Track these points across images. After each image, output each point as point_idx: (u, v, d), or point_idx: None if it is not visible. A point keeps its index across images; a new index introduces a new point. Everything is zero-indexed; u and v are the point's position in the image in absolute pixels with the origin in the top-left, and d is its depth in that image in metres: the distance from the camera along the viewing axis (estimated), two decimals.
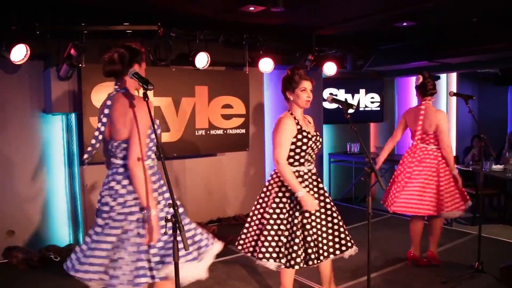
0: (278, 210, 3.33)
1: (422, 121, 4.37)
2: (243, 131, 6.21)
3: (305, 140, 3.31)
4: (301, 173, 3.35)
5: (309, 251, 3.27)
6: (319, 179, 3.48)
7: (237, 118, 6.16)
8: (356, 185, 7.97)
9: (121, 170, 2.70)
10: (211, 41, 5.70)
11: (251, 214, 3.55)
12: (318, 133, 3.47)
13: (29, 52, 4.40)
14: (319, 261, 3.32)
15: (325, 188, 3.51)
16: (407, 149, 4.63)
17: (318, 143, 3.41)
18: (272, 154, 3.35)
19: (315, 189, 3.40)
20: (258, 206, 3.49)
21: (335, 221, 3.44)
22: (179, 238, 2.26)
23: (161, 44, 5.48)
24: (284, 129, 3.29)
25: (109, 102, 2.74)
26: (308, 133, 3.35)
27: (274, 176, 3.42)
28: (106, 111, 2.73)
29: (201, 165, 6.30)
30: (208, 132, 5.92)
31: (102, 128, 2.74)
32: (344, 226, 3.48)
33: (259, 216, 3.47)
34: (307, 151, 3.33)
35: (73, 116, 5.27)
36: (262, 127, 6.85)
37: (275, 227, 3.32)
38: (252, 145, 6.48)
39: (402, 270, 4.50)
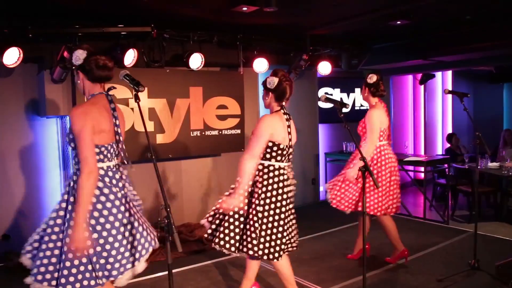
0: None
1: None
2: (238, 131, 6.21)
3: None
4: None
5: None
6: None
7: (232, 118, 6.15)
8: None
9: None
10: (205, 42, 5.69)
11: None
12: None
13: (22, 55, 4.39)
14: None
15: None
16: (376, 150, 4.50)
17: None
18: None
19: None
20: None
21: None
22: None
23: (155, 45, 5.47)
24: None
25: (113, 105, 2.81)
26: None
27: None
28: (116, 113, 2.81)
29: (196, 166, 6.29)
30: (203, 133, 5.91)
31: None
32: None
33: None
34: None
35: (67, 119, 5.25)
36: None
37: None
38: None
39: (398, 269, 4.49)
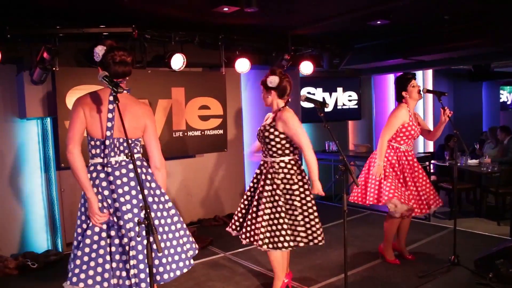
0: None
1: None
2: (221, 131, 6.21)
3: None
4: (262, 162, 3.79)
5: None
6: (274, 173, 3.61)
7: (215, 119, 6.15)
8: (335, 183, 8.02)
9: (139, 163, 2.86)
10: (187, 42, 5.69)
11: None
12: (264, 127, 3.66)
13: (0, 56, 4.34)
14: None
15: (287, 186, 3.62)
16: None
17: (261, 135, 3.69)
18: None
19: (260, 179, 3.72)
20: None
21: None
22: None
23: (136, 46, 5.45)
24: None
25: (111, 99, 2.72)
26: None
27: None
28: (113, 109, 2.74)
29: (179, 167, 6.28)
30: (186, 133, 5.91)
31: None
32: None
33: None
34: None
35: (48, 121, 5.20)
36: (240, 127, 6.85)
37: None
38: (231, 145, 6.49)
39: (380, 266, 4.54)
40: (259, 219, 3.58)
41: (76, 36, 4.81)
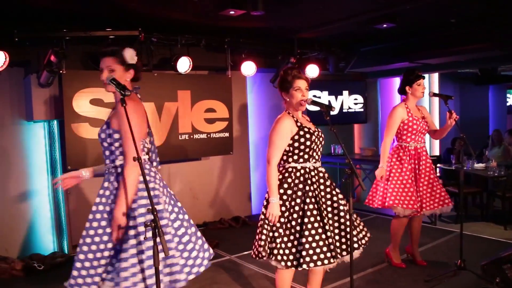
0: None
1: None
2: (227, 134, 6.22)
3: (308, 135, 3.27)
4: (307, 169, 3.28)
5: (303, 253, 3.18)
6: (327, 178, 3.37)
7: (221, 122, 6.16)
8: (341, 186, 7.99)
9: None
10: (193, 46, 5.71)
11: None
12: (319, 129, 3.42)
13: (8, 59, 4.38)
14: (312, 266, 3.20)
15: (337, 190, 3.38)
16: None
17: (321, 139, 3.38)
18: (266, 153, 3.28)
19: (322, 187, 3.29)
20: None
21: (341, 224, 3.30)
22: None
23: (143, 49, 5.46)
24: (281, 128, 3.25)
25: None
26: (310, 129, 3.32)
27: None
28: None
29: (185, 170, 6.29)
30: (192, 136, 5.92)
31: None
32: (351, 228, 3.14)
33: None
34: (312, 146, 3.27)
35: (55, 123, 5.23)
36: (246, 130, 6.86)
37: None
38: (236, 148, 6.49)
39: (386, 270, 4.53)
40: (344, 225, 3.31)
41: (83, 39, 4.84)
